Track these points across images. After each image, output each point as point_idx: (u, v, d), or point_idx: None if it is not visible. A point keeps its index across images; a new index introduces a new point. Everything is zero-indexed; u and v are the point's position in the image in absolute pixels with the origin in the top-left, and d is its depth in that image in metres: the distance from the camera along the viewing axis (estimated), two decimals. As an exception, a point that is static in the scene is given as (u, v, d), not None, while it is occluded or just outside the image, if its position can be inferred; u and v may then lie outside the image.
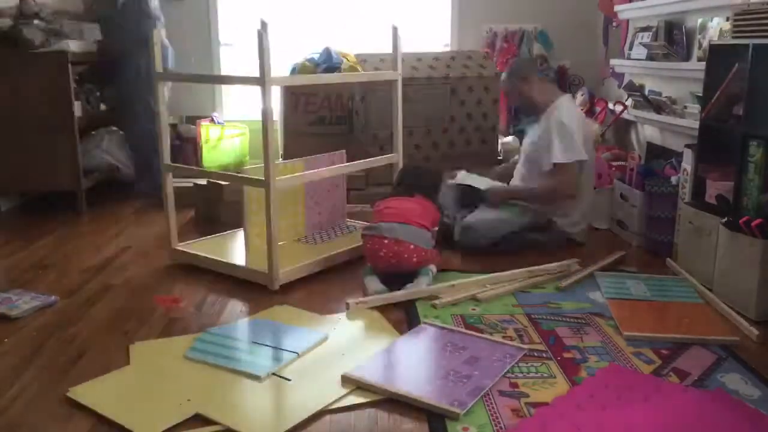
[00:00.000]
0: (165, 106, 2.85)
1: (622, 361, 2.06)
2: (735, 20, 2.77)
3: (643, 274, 2.69)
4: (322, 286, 2.70)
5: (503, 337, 2.22)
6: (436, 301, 2.47)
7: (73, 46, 3.83)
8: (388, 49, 3.17)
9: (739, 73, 2.66)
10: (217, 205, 3.70)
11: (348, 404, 1.82)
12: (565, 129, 3.06)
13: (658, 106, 3.60)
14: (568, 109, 3.17)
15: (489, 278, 2.69)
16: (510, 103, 3.38)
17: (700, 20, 3.34)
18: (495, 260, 2.93)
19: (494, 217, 3.11)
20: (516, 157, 3.56)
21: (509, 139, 4.45)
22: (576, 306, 2.48)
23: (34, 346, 2.18)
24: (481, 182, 3.29)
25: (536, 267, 2.77)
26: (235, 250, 3.01)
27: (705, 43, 3.22)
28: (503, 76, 3.41)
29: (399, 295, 2.52)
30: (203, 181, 3.88)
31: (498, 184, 3.33)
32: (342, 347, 2.16)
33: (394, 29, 3.07)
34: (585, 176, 3.19)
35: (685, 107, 3.34)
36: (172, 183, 2.92)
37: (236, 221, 3.61)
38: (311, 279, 2.76)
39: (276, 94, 4.48)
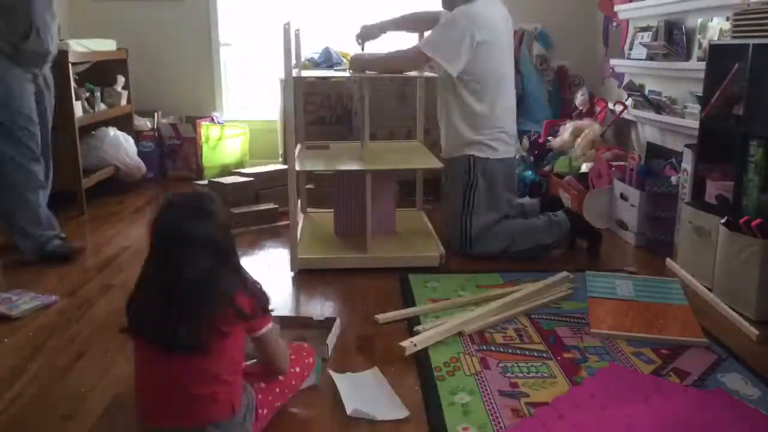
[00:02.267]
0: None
1: (622, 361, 2.06)
2: (735, 20, 2.77)
3: (636, 275, 2.67)
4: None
5: (503, 337, 2.22)
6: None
7: (73, 45, 3.83)
8: (386, 48, 3.16)
9: (739, 73, 2.66)
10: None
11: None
12: (448, 24, 2.81)
13: (658, 106, 3.60)
14: (482, 6, 2.85)
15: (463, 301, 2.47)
16: None
17: (700, 20, 3.33)
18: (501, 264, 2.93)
19: (505, 224, 3.00)
20: None
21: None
22: (576, 306, 2.48)
23: (34, 346, 2.19)
24: None
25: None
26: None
27: (705, 43, 3.22)
28: None
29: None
30: (203, 181, 3.89)
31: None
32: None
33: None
34: (492, 89, 2.94)
35: (685, 107, 3.33)
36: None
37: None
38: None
39: (277, 94, 4.49)
